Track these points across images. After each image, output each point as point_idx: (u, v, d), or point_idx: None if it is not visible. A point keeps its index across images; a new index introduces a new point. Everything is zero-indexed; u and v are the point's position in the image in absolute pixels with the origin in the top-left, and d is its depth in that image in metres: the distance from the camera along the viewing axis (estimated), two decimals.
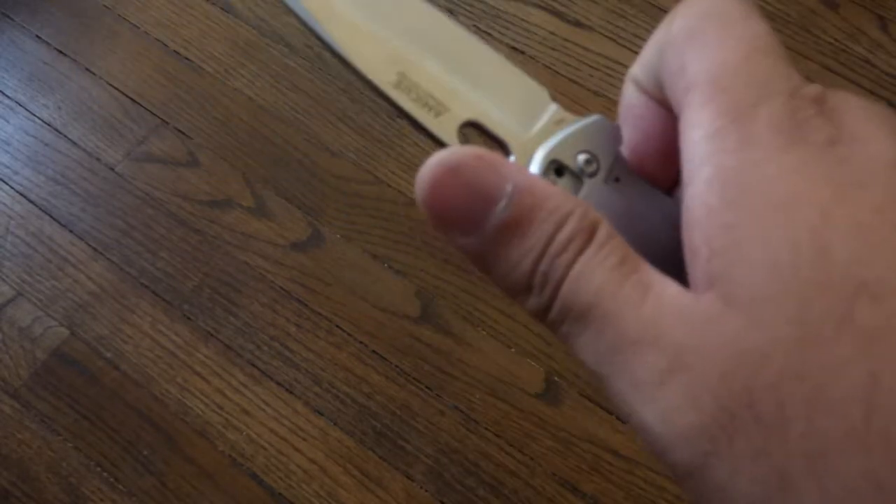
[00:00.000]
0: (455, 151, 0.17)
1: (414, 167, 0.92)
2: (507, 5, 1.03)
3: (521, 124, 0.20)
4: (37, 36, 1.02)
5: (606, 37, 1.01)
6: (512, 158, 0.19)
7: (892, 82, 0.98)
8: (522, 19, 1.02)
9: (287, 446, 0.79)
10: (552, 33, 1.01)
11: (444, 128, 0.19)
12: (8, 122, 0.96)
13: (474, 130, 0.20)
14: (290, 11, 0.19)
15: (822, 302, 0.13)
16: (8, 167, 0.93)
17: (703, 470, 0.13)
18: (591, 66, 0.99)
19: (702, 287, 0.14)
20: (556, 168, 0.19)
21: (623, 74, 1.06)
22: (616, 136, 0.19)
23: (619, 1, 1.03)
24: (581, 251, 0.15)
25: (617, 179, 0.19)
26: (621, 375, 0.14)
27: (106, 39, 1.02)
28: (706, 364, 0.13)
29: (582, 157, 0.19)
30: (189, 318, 0.84)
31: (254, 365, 0.82)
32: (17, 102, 0.97)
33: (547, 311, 0.16)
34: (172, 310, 0.85)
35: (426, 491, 0.77)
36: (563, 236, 0.15)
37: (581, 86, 0.97)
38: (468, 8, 1.03)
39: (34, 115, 0.97)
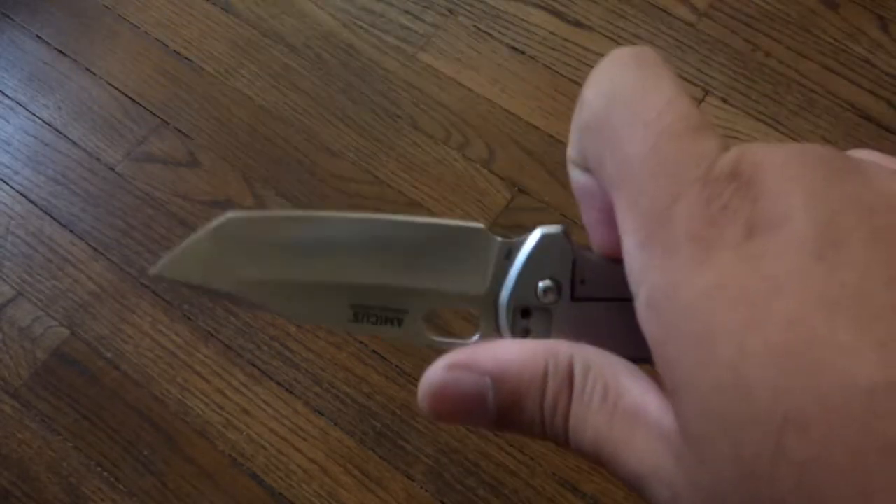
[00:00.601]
0: (432, 375, 0.18)
1: (414, 167, 0.92)
2: (507, 5, 1.03)
3: (475, 282, 0.20)
4: (37, 36, 1.02)
5: (606, 37, 1.01)
6: (478, 333, 0.20)
7: (892, 82, 0.98)
8: (522, 19, 1.02)
9: (287, 446, 0.79)
10: (552, 33, 1.01)
11: (411, 331, 0.20)
12: (8, 122, 0.96)
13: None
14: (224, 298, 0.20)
15: (752, 440, 0.13)
16: (8, 167, 0.93)
17: None
18: (591, 66, 0.98)
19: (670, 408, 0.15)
20: (522, 311, 0.19)
21: None
22: (564, 244, 0.19)
23: (619, 1, 1.03)
24: (568, 404, 0.16)
25: (582, 281, 0.19)
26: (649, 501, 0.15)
27: (106, 39, 1.02)
28: (692, 497, 0.14)
29: (542, 288, 0.19)
30: (189, 318, 0.85)
31: (254, 365, 0.82)
32: (17, 102, 0.98)
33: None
34: (172, 310, 0.85)
35: (426, 491, 0.77)
36: (549, 401, 0.17)
37: (581, 86, 0.97)
38: (468, 8, 1.03)
39: (34, 115, 0.97)
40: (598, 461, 0.16)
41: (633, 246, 0.15)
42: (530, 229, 0.19)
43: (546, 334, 0.19)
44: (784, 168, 0.14)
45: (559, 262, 0.19)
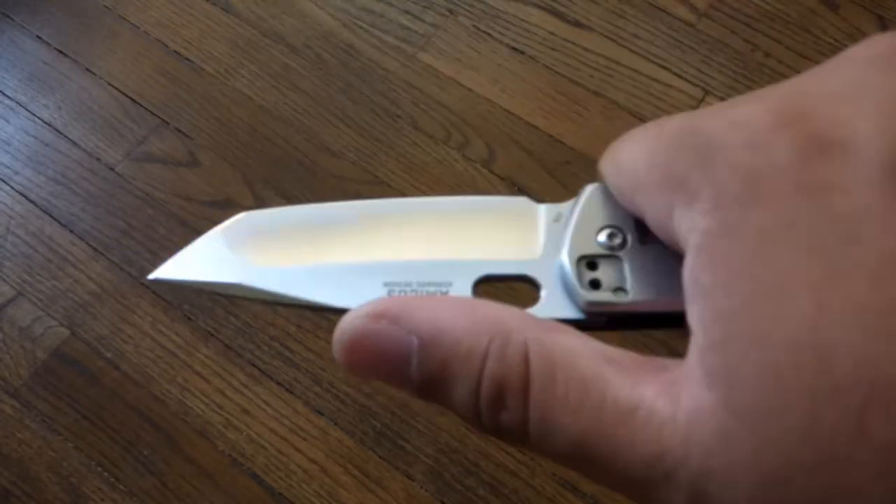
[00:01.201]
0: (351, 320, 0.15)
1: (414, 167, 0.92)
2: (507, 5, 1.03)
3: (526, 249, 0.18)
4: (37, 36, 1.02)
5: (606, 37, 1.01)
6: (543, 293, 0.17)
7: None
8: (522, 19, 1.02)
9: (287, 446, 0.79)
10: (552, 33, 1.01)
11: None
12: (8, 122, 0.96)
13: (490, 284, 0.18)
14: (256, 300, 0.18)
15: (832, 415, 0.11)
16: (8, 167, 0.93)
17: None
18: (591, 66, 0.99)
19: (698, 381, 0.12)
20: (588, 263, 0.17)
21: (623, 74, 1.07)
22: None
23: (619, 1, 1.03)
24: (523, 400, 0.14)
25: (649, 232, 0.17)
26: None
27: (106, 39, 1.02)
28: (729, 494, 0.12)
29: (603, 237, 0.17)
30: (189, 318, 0.85)
31: (254, 365, 0.82)
32: (17, 103, 0.98)
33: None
34: (172, 310, 0.85)
35: (426, 491, 0.77)
36: (487, 389, 0.14)
37: (581, 86, 0.97)
38: (468, 8, 1.03)
39: (34, 115, 0.97)
40: (578, 466, 0.13)
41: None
42: None
43: (622, 283, 0.17)
44: (842, 91, 0.12)
45: (616, 211, 0.17)
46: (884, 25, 1.01)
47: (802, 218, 0.12)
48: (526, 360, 0.14)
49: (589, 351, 0.14)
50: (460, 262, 0.18)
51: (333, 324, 0.16)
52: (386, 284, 0.17)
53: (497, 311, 0.15)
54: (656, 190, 0.14)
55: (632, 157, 0.15)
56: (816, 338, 0.11)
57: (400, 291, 0.17)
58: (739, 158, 0.12)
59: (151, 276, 0.18)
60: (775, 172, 0.12)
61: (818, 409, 0.11)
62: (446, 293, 0.17)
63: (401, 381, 0.15)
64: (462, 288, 0.17)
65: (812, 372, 0.11)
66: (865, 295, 0.11)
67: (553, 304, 0.17)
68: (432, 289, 0.17)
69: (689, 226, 0.13)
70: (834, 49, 1.00)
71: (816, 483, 0.11)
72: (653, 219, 0.15)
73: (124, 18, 1.03)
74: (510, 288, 0.17)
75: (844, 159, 0.12)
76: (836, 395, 0.11)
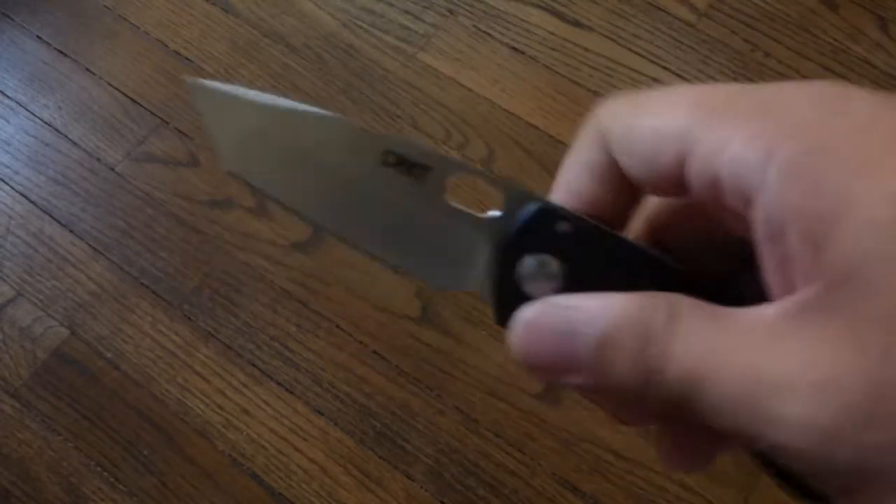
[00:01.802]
0: (528, 309, 0.17)
1: None
2: (507, 5, 1.03)
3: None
4: (37, 36, 1.02)
5: (606, 37, 1.01)
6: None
7: (891, 82, 0.98)
8: (522, 19, 1.02)
9: (287, 446, 0.79)
10: (552, 33, 1.01)
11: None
12: (8, 122, 0.96)
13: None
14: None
15: None
16: (8, 167, 0.93)
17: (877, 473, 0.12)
18: (591, 66, 0.99)
19: (810, 301, 0.13)
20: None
21: (623, 74, 1.07)
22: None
23: (619, 1, 1.03)
24: (668, 345, 0.15)
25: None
26: (767, 424, 0.13)
27: (106, 39, 1.02)
28: (869, 398, 0.12)
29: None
30: (189, 318, 0.85)
31: (254, 365, 0.82)
32: (17, 103, 0.98)
33: (671, 403, 0.15)
34: (173, 310, 0.85)
35: (426, 491, 0.77)
36: (639, 349, 0.15)
37: (581, 86, 0.97)
38: (468, 8, 1.03)
39: (35, 115, 0.97)
40: (700, 384, 0.14)
41: (745, 141, 0.14)
42: None
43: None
44: None
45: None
46: (884, 25, 1.01)
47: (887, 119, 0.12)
48: (671, 311, 0.15)
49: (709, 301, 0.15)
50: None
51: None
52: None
53: (645, 293, 0.16)
54: (708, 126, 0.14)
55: (668, 103, 0.15)
56: None
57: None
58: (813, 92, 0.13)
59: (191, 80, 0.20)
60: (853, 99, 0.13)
61: None
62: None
63: (571, 361, 0.16)
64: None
65: None
66: None
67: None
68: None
69: (763, 152, 0.13)
70: (834, 49, 1.00)
71: None
72: (701, 156, 0.15)
73: (124, 18, 1.03)
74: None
75: None
76: None
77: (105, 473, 0.78)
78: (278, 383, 0.81)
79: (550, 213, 0.19)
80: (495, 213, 0.20)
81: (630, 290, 0.16)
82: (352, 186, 0.20)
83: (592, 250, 0.18)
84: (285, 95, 0.97)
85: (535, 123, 0.95)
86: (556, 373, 0.16)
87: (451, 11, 1.03)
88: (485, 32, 1.01)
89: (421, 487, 0.77)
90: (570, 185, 0.19)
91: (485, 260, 0.20)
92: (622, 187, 0.17)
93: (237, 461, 0.78)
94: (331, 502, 0.77)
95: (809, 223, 0.13)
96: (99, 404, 0.81)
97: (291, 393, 0.81)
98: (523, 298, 0.18)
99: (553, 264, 0.18)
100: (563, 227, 0.19)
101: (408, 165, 0.20)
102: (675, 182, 0.16)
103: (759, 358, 0.13)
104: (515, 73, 0.98)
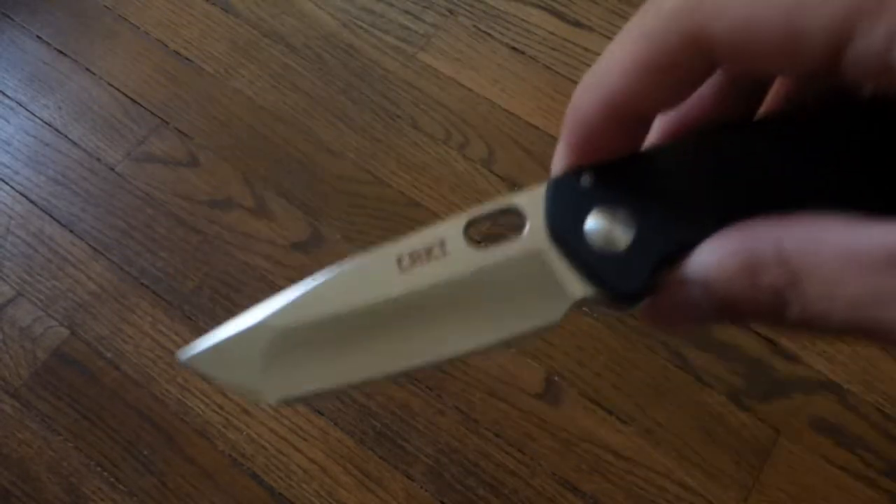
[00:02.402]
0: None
1: (414, 167, 0.92)
2: (507, 5, 1.03)
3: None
4: (37, 36, 1.02)
5: (606, 37, 1.01)
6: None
7: None
8: (522, 19, 1.02)
9: (287, 446, 0.79)
10: (552, 33, 1.01)
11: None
12: (8, 122, 0.96)
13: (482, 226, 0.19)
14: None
15: None
16: (8, 167, 0.93)
17: None
18: (590, 66, 0.99)
19: None
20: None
21: None
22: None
23: (619, 1, 1.03)
24: (801, 294, 0.14)
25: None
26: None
27: (106, 39, 1.02)
28: None
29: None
30: (189, 318, 0.85)
31: None
32: (17, 103, 0.98)
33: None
34: (173, 310, 0.85)
35: (426, 491, 0.77)
36: (767, 299, 0.15)
37: None
38: (468, 8, 1.03)
39: (35, 115, 0.97)
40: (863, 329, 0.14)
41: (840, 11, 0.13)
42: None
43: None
44: None
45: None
46: None
47: None
48: (784, 260, 0.14)
49: (827, 217, 0.15)
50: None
51: None
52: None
53: (743, 228, 0.15)
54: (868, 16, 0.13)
55: None
56: None
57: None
58: None
59: (184, 359, 0.18)
60: None
61: None
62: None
63: (705, 320, 0.16)
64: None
65: None
66: None
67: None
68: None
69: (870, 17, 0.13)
70: None
71: None
72: (865, 46, 0.14)
73: (124, 18, 1.03)
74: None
75: None
76: None
77: (105, 473, 0.78)
78: None
79: (562, 180, 0.18)
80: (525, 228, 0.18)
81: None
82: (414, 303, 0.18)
83: (635, 172, 0.17)
84: (285, 95, 0.97)
85: (535, 123, 0.95)
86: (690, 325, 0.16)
87: (451, 11, 1.03)
88: (485, 32, 1.01)
89: (421, 487, 0.77)
90: (654, 92, 0.17)
91: (556, 259, 0.18)
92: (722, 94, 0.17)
93: (237, 461, 0.78)
94: (331, 502, 0.77)
95: None
96: (99, 404, 0.81)
97: None
98: (609, 257, 0.16)
99: (610, 213, 0.17)
100: (586, 180, 0.17)
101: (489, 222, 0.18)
102: (815, 72, 0.15)
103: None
104: (515, 73, 0.98)
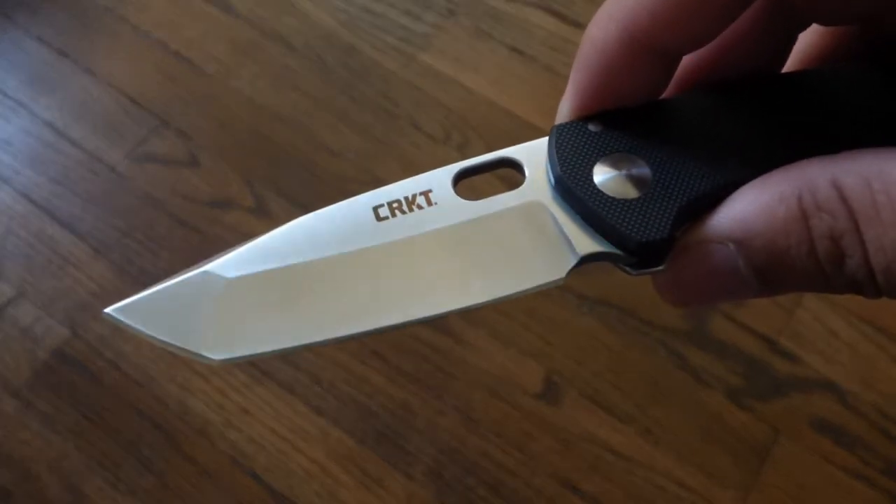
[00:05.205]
0: (667, 268, 0.14)
1: (414, 167, 0.92)
2: (507, 6, 1.03)
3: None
4: (38, 37, 1.02)
5: None
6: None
7: None
8: (522, 19, 1.02)
9: (288, 446, 0.79)
10: (552, 33, 1.01)
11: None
12: (9, 122, 0.96)
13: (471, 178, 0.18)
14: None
15: None
16: (9, 167, 0.93)
17: None
18: None
19: None
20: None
21: None
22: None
23: None
24: (860, 239, 0.12)
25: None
26: None
27: (107, 40, 1.02)
28: None
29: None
30: None
31: (254, 365, 0.82)
32: (18, 103, 0.98)
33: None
34: None
35: (426, 491, 0.77)
36: (824, 247, 0.13)
37: None
38: (468, 8, 1.03)
39: (35, 115, 0.97)
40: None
41: None
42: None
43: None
44: None
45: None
46: None
47: None
48: (843, 199, 0.12)
49: (889, 150, 0.13)
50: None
51: None
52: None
53: (789, 169, 0.13)
54: None
55: None
56: None
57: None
58: None
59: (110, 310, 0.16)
60: None
61: None
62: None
63: (740, 289, 0.14)
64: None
65: None
66: None
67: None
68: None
69: None
70: None
71: None
72: None
73: (125, 19, 1.03)
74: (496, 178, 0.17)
75: None
76: None
77: (106, 473, 0.78)
78: (278, 383, 0.82)
79: (569, 126, 0.16)
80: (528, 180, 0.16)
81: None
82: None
83: (645, 120, 0.15)
84: (285, 95, 0.97)
85: (535, 123, 0.95)
86: (725, 300, 0.14)
87: (451, 12, 1.03)
88: (485, 33, 1.01)
89: (421, 487, 0.77)
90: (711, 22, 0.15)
91: (558, 217, 0.16)
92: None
93: (237, 461, 0.78)
94: (331, 501, 0.77)
95: None
96: (100, 404, 0.81)
97: (292, 393, 0.81)
98: (627, 206, 0.15)
99: (623, 161, 0.15)
100: (595, 125, 0.16)
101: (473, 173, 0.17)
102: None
103: None
104: (515, 73, 0.98)
